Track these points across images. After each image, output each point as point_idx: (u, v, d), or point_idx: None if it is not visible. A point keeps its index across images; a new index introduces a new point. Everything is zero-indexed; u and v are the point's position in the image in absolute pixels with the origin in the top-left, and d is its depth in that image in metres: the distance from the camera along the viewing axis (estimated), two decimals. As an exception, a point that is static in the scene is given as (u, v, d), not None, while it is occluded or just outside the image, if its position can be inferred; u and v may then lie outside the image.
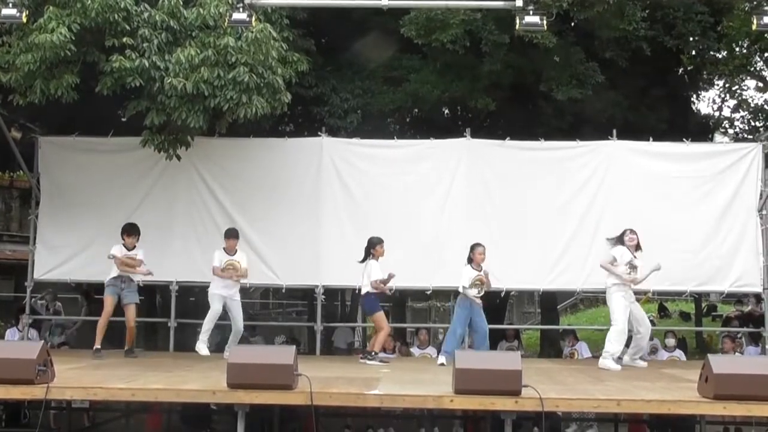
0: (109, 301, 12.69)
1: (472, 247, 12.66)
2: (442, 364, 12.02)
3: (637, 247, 12.38)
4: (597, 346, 16.87)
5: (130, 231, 12.84)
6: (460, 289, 12.46)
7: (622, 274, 12.17)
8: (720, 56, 18.56)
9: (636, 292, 12.75)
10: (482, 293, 12.55)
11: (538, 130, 15.65)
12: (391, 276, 12.31)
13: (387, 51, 16.61)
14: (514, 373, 8.28)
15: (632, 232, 12.40)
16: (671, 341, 15.24)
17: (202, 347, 12.98)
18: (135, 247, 12.79)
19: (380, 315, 12.78)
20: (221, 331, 14.33)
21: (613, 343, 12.07)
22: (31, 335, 15.00)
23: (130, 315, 12.72)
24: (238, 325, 12.99)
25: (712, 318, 26.63)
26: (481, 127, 16.93)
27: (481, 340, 12.51)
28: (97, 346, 12.60)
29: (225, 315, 12.89)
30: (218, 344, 14.52)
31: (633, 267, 12.23)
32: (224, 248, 12.99)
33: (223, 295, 12.87)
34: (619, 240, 12.47)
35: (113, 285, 12.67)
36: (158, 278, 14.50)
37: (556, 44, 14.69)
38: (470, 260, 12.59)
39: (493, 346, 15.33)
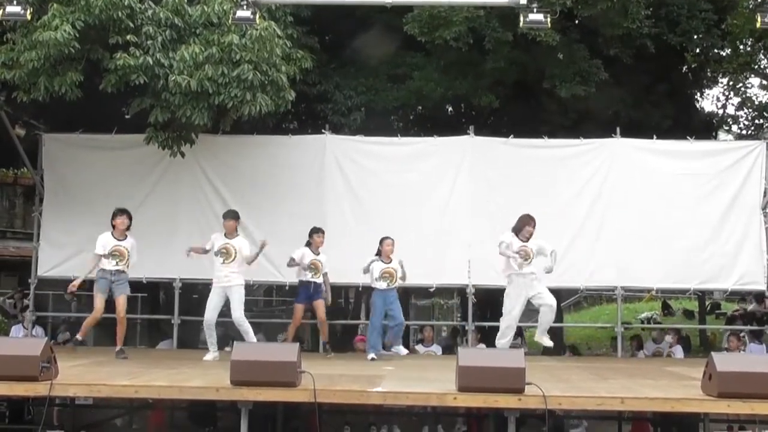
0: (98, 300, 11.99)
1: (381, 241, 12.87)
2: (373, 359, 12.47)
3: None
4: (598, 345, 16.89)
5: (121, 214, 12.16)
6: (372, 284, 12.79)
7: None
8: (724, 54, 18.54)
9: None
10: (394, 285, 12.77)
11: (541, 127, 15.64)
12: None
13: (390, 48, 16.61)
14: (518, 370, 8.28)
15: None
16: (668, 337, 15.33)
17: (209, 355, 12.31)
18: (126, 237, 12.14)
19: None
20: (224, 329, 14.32)
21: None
22: (37, 332, 15.02)
23: (120, 307, 12.03)
24: (234, 314, 12.27)
25: (715, 316, 26.62)
26: (485, 125, 16.92)
27: (398, 330, 12.91)
28: (78, 337, 12.27)
29: (227, 313, 12.71)
30: (219, 339, 14.53)
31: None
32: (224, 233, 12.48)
33: (219, 287, 12.28)
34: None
35: (103, 278, 12.01)
36: (161, 275, 14.57)
37: (559, 42, 14.69)
38: (379, 253, 12.82)
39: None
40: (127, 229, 12.21)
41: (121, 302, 12.07)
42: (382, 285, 12.74)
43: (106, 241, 12.09)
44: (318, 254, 12.99)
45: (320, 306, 13.06)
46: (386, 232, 13.21)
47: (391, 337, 13.03)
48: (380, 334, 12.92)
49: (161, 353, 14.38)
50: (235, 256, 12.27)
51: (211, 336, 12.40)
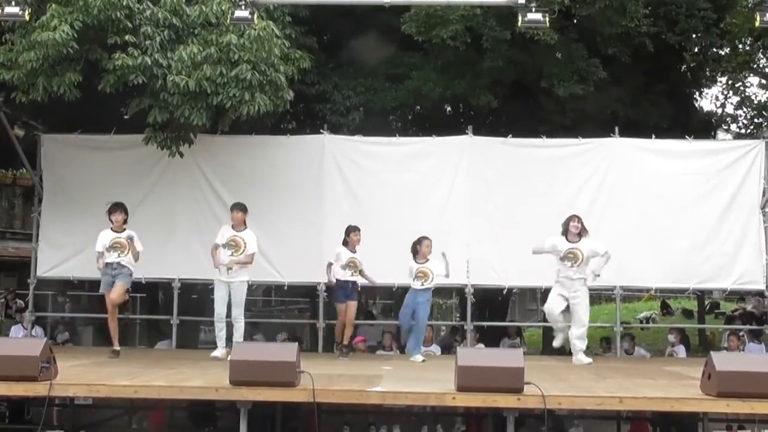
0: (108, 300, 12.07)
1: (419, 241, 13.00)
2: (423, 360, 12.58)
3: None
4: (601, 344, 16.90)
5: (117, 210, 12.21)
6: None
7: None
8: (723, 53, 18.53)
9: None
10: (428, 285, 12.92)
11: (540, 127, 15.64)
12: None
13: (389, 49, 16.62)
14: (517, 370, 8.29)
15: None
16: (671, 336, 15.36)
17: (216, 352, 12.25)
18: (124, 229, 12.15)
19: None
20: (227, 328, 14.32)
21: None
22: (36, 332, 15.03)
23: (115, 293, 11.95)
24: (233, 309, 12.24)
25: (714, 315, 26.62)
26: (483, 125, 16.91)
27: (417, 333, 12.98)
28: (116, 348, 12.15)
29: (228, 313, 12.66)
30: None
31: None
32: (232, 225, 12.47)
33: (222, 281, 12.26)
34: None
35: (106, 274, 12.08)
36: (160, 275, 14.55)
37: (557, 41, 14.70)
38: (416, 252, 12.96)
39: (496, 343, 15.40)
40: (125, 222, 12.23)
41: (117, 288, 11.99)
42: (416, 285, 12.86)
43: (105, 237, 12.14)
44: (355, 252, 12.93)
45: (353, 307, 13.04)
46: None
47: (411, 340, 13.03)
48: (406, 332, 13.09)
49: (160, 353, 14.38)
50: (243, 249, 12.26)
51: (220, 330, 12.36)
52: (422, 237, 12.95)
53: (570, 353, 12.74)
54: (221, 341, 12.33)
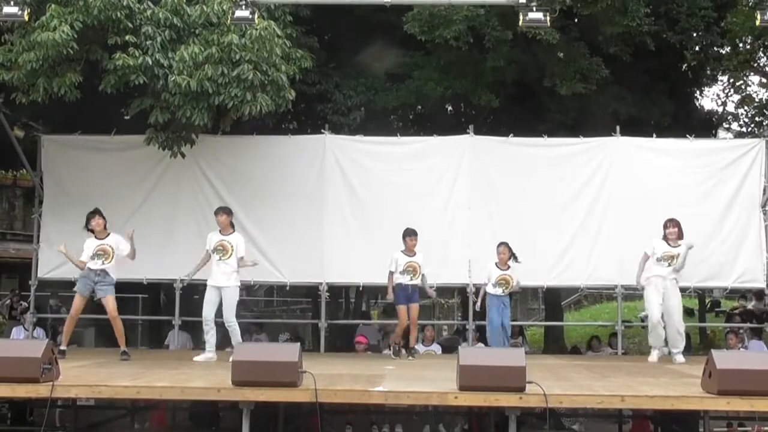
0: (77, 300, 12.03)
1: (497, 247, 13.07)
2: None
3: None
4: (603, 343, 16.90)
5: (94, 216, 12.12)
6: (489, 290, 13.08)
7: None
8: (723, 52, 18.53)
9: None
10: (509, 291, 13.13)
11: (541, 126, 15.64)
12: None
13: (389, 48, 16.61)
14: (519, 369, 8.28)
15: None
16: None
17: (204, 355, 12.08)
18: (108, 235, 12.07)
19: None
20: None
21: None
22: (37, 334, 15.02)
23: (110, 307, 11.89)
24: (225, 313, 12.00)
25: (715, 314, 26.60)
26: (485, 124, 16.93)
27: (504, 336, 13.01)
28: (63, 347, 12.06)
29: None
30: (223, 339, 14.48)
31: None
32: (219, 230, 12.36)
33: (213, 286, 12.09)
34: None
35: (85, 277, 11.99)
36: (162, 276, 14.55)
37: (559, 40, 14.69)
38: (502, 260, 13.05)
39: (498, 342, 15.37)
40: (106, 226, 12.16)
41: (110, 302, 11.95)
42: (497, 291, 12.94)
43: (89, 245, 12.05)
44: (413, 255, 12.87)
45: (415, 309, 13.00)
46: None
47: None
48: (501, 338, 13.00)
49: (162, 353, 14.38)
50: (231, 253, 12.13)
51: (208, 333, 12.15)
52: (501, 243, 13.06)
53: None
54: (210, 344, 12.13)
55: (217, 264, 12.13)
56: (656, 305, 12.44)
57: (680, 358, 12.32)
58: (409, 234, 12.87)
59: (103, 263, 11.98)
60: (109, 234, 12.12)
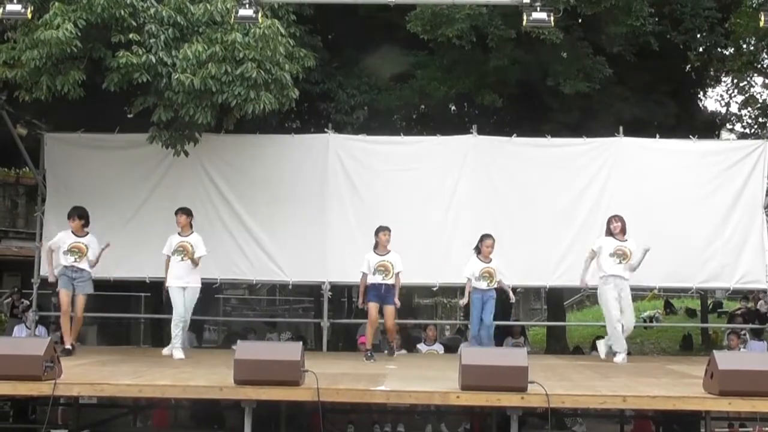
0: (63, 296, 12.25)
1: (481, 239, 12.89)
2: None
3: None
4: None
5: (73, 215, 12.42)
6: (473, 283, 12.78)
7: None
8: (727, 53, 18.52)
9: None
10: (493, 285, 12.80)
11: (544, 126, 15.63)
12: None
13: (393, 48, 16.59)
14: (521, 369, 8.29)
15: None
16: None
17: (176, 352, 12.19)
18: (87, 233, 12.36)
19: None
20: (228, 327, 14.32)
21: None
22: (39, 332, 15.02)
23: (79, 306, 12.20)
24: (185, 314, 12.30)
25: (717, 315, 26.64)
26: (488, 124, 16.92)
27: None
28: (68, 346, 12.16)
29: (231, 311, 12.70)
30: (226, 338, 14.52)
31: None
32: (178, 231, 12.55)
33: (178, 287, 12.27)
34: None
35: (63, 275, 12.25)
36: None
37: (563, 40, 14.68)
38: (479, 251, 12.84)
39: (499, 342, 15.38)
40: (83, 227, 12.38)
41: (80, 302, 12.23)
42: (482, 285, 12.67)
43: (64, 238, 12.34)
44: (386, 254, 12.61)
45: (390, 312, 12.58)
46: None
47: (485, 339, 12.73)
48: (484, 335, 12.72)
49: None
50: (192, 252, 12.33)
51: (178, 328, 12.32)
52: (485, 235, 12.89)
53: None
54: (177, 340, 12.31)
55: (179, 265, 12.31)
56: (616, 303, 12.47)
57: (621, 358, 12.38)
58: (382, 230, 12.62)
59: (75, 260, 12.24)
60: (87, 234, 12.38)
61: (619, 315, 12.42)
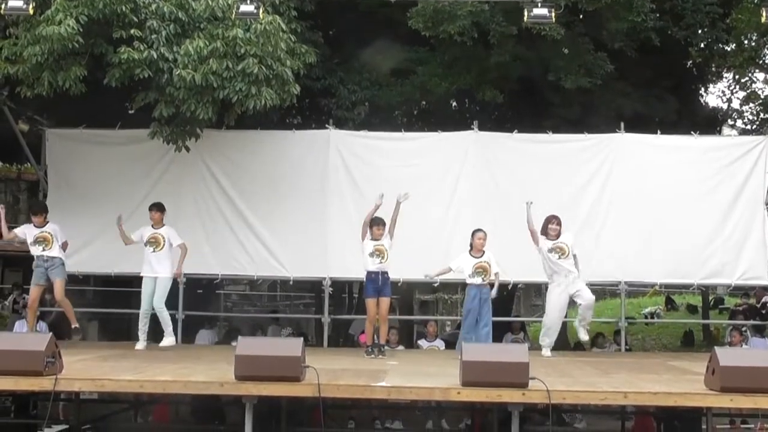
0: (32, 291, 12.65)
1: (473, 234, 12.72)
2: None
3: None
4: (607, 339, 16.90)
5: (35, 209, 12.78)
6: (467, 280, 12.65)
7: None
8: (729, 49, 18.49)
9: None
10: (488, 280, 12.60)
11: (546, 122, 15.63)
12: None
13: (394, 44, 16.58)
14: (522, 365, 8.29)
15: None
16: None
17: (138, 344, 12.68)
18: (47, 223, 12.52)
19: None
20: (229, 323, 14.32)
21: None
22: (40, 327, 15.02)
23: (57, 289, 12.41)
24: (155, 302, 12.59)
25: (719, 311, 26.62)
26: (489, 120, 16.91)
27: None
28: (75, 325, 12.66)
29: (232, 307, 12.73)
30: (227, 334, 14.49)
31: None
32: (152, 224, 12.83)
33: (150, 277, 12.66)
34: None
35: (38, 267, 12.45)
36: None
37: (564, 36, 14.66)
38: (471, 247, 12.64)
39: (500, 338, 15.38)
40: (44, 220, 12.55)
41: (57, 285, 12.42)
42: (476, 280, 12.47)
43: (29, 232, 12.54)
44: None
45: (385, 303, 12.36)
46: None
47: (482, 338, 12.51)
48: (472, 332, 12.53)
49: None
50: (163, 245, 12.63)
51: (145, 325, 12.74)
52: (476, 229, 12.72)
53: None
54: (143, 334, 12.74)
55: (151, 255, 12.64)
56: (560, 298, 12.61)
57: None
58: (376, 223, 12.31)
59: (43, 250, 12.43)
60: (47, 222, 12.55)
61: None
